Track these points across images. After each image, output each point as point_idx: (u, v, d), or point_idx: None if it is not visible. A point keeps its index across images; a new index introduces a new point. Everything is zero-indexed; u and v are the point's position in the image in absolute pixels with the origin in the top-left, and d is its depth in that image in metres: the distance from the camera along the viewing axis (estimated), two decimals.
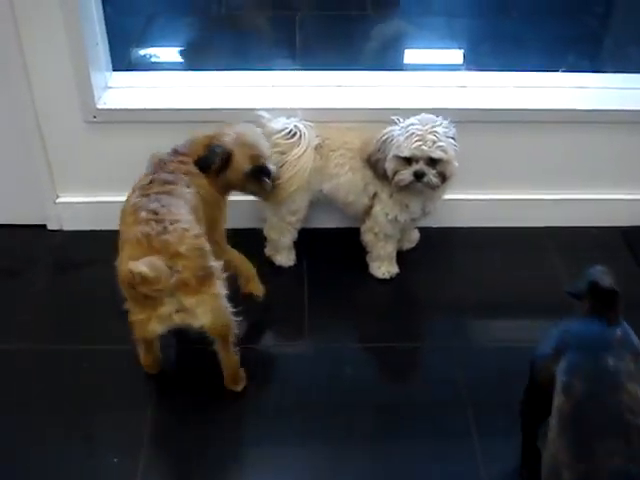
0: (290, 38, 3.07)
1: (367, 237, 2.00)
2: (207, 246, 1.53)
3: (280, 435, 1.66)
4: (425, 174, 1.78)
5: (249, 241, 2.01)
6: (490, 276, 2.07)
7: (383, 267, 2.03)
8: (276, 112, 1.93)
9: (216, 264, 1.54)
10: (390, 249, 2.02)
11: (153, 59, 3.02)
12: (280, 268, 2.06)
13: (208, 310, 1.52)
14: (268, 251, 2.07)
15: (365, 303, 2.01)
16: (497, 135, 2.04)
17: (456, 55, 2.91)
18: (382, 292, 2.03)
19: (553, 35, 3.10)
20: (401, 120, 1.83)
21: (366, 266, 2.05)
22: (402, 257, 2.06)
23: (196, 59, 3.07)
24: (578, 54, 2.82)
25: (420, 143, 1.77)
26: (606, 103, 2.06)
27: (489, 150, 2.06)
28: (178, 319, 1.51)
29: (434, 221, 2.08)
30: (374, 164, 1.86)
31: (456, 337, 1.90)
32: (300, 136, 1.88)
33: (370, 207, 1.96)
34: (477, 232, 2.17)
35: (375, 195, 1.93)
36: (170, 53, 3.06)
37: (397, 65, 2.70)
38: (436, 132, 1.77)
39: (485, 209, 2.16)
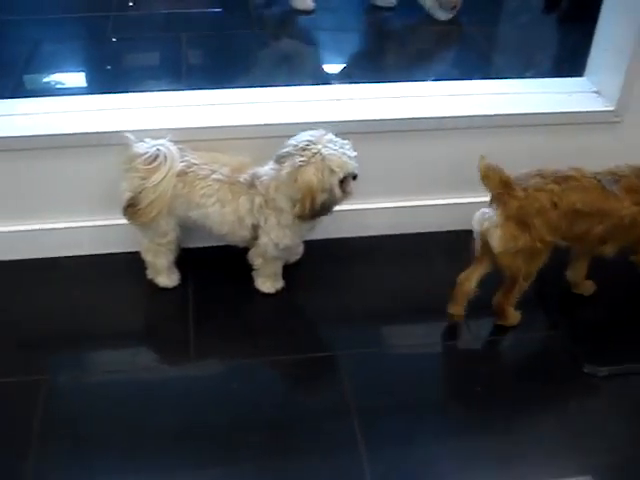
0: (177, 58, 3.08)
1: (255, 260, 1.97)
2: None
3: (169, 457, 1.62)
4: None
5: (133, 265, 2.01)
6: (375, 284, 2.07)
7: (269, 283, 2.01)
8: (146, 134, 1.89)
9: None
10: (278, 267, 2.00)
11: (33, 85, 2.99)
12: (165, 290, 2.02)
13: None
14: (149, 274, 2.03)
15: (251, 319, 1.99)
16: (372, 145, 2.05)
17: (334, 69, 2.99)
18: (268, 306, 2.01)
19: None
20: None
21: (252, 281, 2.03)
22: (287, 269, 2.05)
23: (79, 84, 3.05)
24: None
25: (347, 159, 1.76)
26: (479, 109, 2.11)
27: (366, 160, 2.09)
28: None
29: (318, 233, 2.09)
30: (323, 208, 1.80)
31: (343, 346, 1.89)
32: (161, 161, 1.82)
33: (253, 238, 1.91)
34: (362, 241, 2.19)
35: (256, 226, 1.88)
36: (54, 78, 3.02)
37: (279, 81, 2.72)
38: (345, 145, 1.79)
39: (368, 218, 2.19)
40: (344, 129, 1.92)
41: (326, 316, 2.00)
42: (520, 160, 2.16)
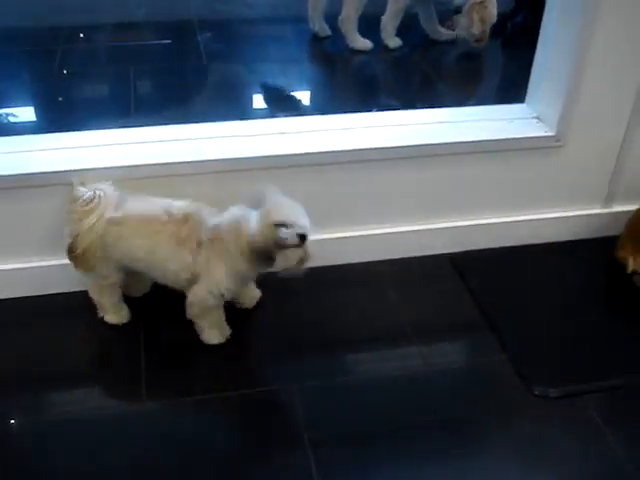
0: (125, 93, 3.08)
1: (193, 311, 1.90)
2: None
3: None
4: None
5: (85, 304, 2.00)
6: (330, 313, 2.08)
7: (214, 332, 1.95)
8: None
9: None
10: (220, 315, 1.94)
11: None
12: (115, 327, 2.00)
13: None
14: (99, 312, 2.00)
15: (203, 356, 1.95)
16: (319, 178, 2.09)
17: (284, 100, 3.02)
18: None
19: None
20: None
21: None
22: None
23: (28, 119, 3.03)
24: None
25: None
26: (423, 138, 2.13)
27: (315, 192, 2.10)
28: None
29: None
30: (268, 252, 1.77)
31: (296, 378, 1.88)
32: (95, 205, 1.80)
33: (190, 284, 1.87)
34: (314, 272, 2.19)
35: (195, 274, 1.84)
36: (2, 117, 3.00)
37: (227, 115, 2.74)
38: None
39: (321, 248, 2.19)
40: (293, 162, 1.98)
41: (278, 349, 1.99)
42: (465, 187, 2.22)
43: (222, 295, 1.87)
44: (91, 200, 1.81)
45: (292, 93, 3.28)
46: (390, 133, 2.14)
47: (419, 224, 2.25)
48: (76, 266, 1.87)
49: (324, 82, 3.42)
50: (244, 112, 3.00)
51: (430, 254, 2.28)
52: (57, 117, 2.94)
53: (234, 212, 1.82)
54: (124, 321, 2.01)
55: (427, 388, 1.89)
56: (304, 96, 3.33)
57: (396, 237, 2.23)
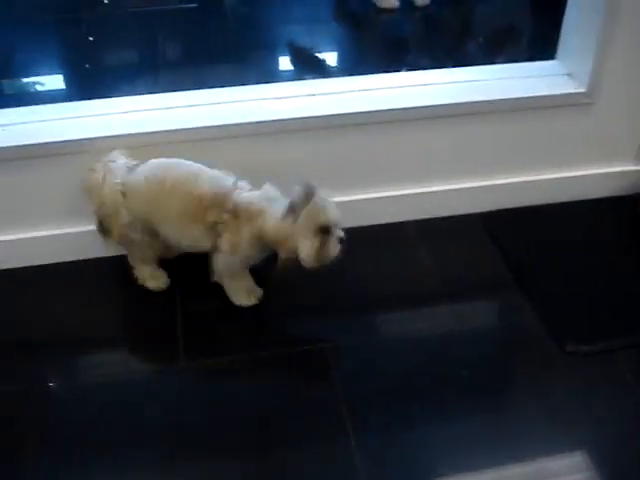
0: (152, 58, 3.08)
1: (218, 276, 1.91)
2: None
3: (161, 457, 1.64)
4: None
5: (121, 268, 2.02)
6: (360, 273, 2.08)
7: (243, 295, 1.96)
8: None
9: None
10: (246, 278, 1.95)
11: (10, 91, 2.98)
12: (152, 292, 2.01)
13: None
14: (138, 278, 2.01)
15: (238, 317, 1.98)
16: (350, 139, 2.09)
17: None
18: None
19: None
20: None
21: None
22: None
23: (57, 87, 3.05)
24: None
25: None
26: (454, 97, 2.12)
27: (347, 153, 2.11)
28: None
29: None
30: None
31: (328, 338, 1.91)
32: (105, 173, 1.83)
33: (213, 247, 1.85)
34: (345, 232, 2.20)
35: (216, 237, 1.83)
36: (31, 83, 3.02)
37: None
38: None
39: (350, 209, 2.19)
40: (325, 123, 1.98)
41: (309, 310, 2.01)
42: (496, 146, 2.21)
43: (242, 261, 1.88)
44: (100, 169, 1.83)
45: (320, 54, 3.26)
46: (420, 93, 2.13)
47: (450, 183, 2.25)
48: (105, 236, 1.90)
49: (351, 42, 3.39)
50: (272, 75, 2.99)
51: (461, 213, 2.27)
52: (85, 85, 2.96)
53: (267, 192, 1.81)
54: (163, 287, 2.02)
55: (458, 347, 1.90)
56: (332, 57, 3.31)
57: (427, 197, 2.23)
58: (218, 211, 1.79)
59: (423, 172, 2.21)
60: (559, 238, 2.22)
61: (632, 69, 2.15)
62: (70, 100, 2.19)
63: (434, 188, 2.24)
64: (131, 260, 2.00)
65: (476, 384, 1.79)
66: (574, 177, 2.31)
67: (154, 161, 1.86)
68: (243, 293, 1.97)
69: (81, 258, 2.11)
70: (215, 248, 1.84)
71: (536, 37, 3.18)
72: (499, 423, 1.71)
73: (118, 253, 2.04)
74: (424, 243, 2.20)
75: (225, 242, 1.81)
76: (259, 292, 1.99)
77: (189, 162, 1.86)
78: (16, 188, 2.01)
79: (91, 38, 3.28)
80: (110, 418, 1.72)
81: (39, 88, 2.98)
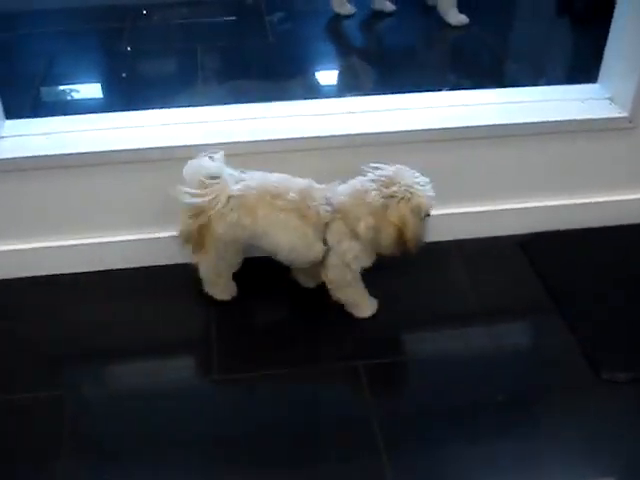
0: (192, 71, 3.10)
1: (334, 291, 1.91)
2: None
3: (195, 471, 1.63)
4: None
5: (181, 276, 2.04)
6: (397, 292, 2.07)
7: (367, 306, 1.97)
8: (198, 149, 1.89)
9: None
10: (360, 289, 1.94)
11: (54, 101, 3.02)
12: (217, 302, 2.02)
13: None
14: (206, 287, 1.99)
15: (274, 332, 2.00)
16: (395, 156, 2.07)
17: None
18: (289, 319, 2.04)
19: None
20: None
21: (285, 291, 2.06)
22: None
23: (98, 97, 3.09)
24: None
25: (432, 199, 1.77)
26: (493, 118, 2.12)
27: None
28: None
29: None
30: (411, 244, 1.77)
31: (361, 355, 1.89)
32: (222, 184, 1.79)
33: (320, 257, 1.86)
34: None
35: (326, 249, 1.83)
36: (72, 95, 3.06)
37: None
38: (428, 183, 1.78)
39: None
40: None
41: (345, 326, 2.00)
42: (535, 169, 2.20)
43: (357, 267, 1.87)
44: (217, 179, 1.79)
45: (361, 71, 3.27)
46: (462, 113, 2.13)
47: (488, 205, 2.24)
48: (197, 251, 1.87)
49: (389, 60, 3.39)
50: (313, 90, 3.01)
51: (499, 235, 2.26)
52: (123, 94, 2.99)
53: (354, 184, 1.81)
54: (233, 296, 2.01)
55: (493, 368, 1.89)
56: (373, 73, 3.31)
57: (466, 217, 2.23)
58: (319, 210, 1.80)
59: (461, 192, 2.20)
60: (599, 263, 2.20)
61: None
62: (115, 110, 2.20)
63: (472, 209, 2.24)
64: (204, 270, 1.96)
65: (510, 407, 1.78)
66: (615, 201, 2.29)
67: (256, 173, 1.85)
68: (365, 302, 1.97)
69: (131, 266, 2.14)
70: (326, 254, 1.84)
71: (578, 60, 3.17)
72: (532, 448, 1.68)
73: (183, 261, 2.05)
74: (462, 264, 2.20)
75: (335, 244, 1.82)
76: (375, 302, 1.99)
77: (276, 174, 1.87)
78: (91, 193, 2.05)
79: (129, 48, 3.32)
80: (145, 429, 1.73)
81: (76, 96, 3.02)
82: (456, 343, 1.98)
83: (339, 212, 1.80)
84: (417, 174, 1.78)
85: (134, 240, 2.12)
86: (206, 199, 1.78)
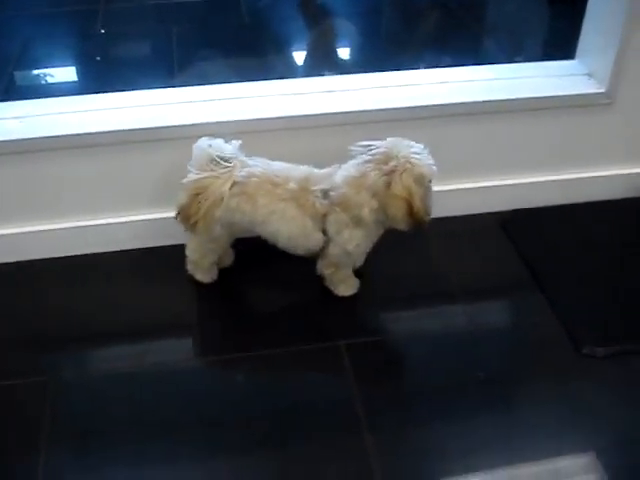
0: (168, 53, 3.08)
1: (327, 270, 1.92)
2: None
3: (177, 450, 1.64)
4: None
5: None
6: (374, 271, 2.04)
7: (348, 285, 1.98)
8: (201, 128, 1.91)
9: None
10: (349, 269, 1.95)
11: (28, 84, 2.99)
12: (200, 284, 2.02)
13: None
14: (190, 268, 2.00)
15: (259, 313, 2.01)
16: (375, 135, 2.04)
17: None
18: (275, 300, 2.03)
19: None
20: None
21: (270, 275, 2.05)
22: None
23: (72, 79, 3.06)
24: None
25: (433, 166, 1.75)
26: (472, 95, 2.11)
27: None
28: None
29: None
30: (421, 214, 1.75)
31: (343, 335, 1.89)
32: (233, 167, 1.77)
33: (321, 249, 1.86)
34: None
35: (326, 239, 1.83)
36: (47, 78, 3.03)
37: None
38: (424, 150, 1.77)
39: None
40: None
41: (322, 306, 2.01)
42: (514, 146, 2.20)
43: (359, 254, 1.88)
44: (230, 161, 1.78)
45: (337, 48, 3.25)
46: (440, 91, 2.12)
47: (467, 182, 2.24)
48: (191, 230, 1.84)
49: (357, 37, 3.37)
50: (290, 69, 2.99)
51: (478, 212, 2.27)
52: (98, 76, 2.96)
53: (346, 170, 1.79)
54: (213, 280, 2.02)
55: (474, 346, 1.89)
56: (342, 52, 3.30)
57: (444, 195, 2.19)
58: (319, 200, 1.78)
59: (441, 170, 2.17)
60: (578, 239, 2.21)
61: None
62: (85, 92, 2.19)
63: (451, 187, 2.23)
64: (191, 250, 1.96)
65: (492, 385, 1.79)
66: (594, 177, 2.30)
67: (259, 159, 1.84)
68: (349, 281, 1.97)
69: (116, 249, 2.13)
70: (326, 244, 1.84)
71: (556, 37, 3.17)
72: (513, 423, 1.70)
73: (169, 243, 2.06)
74: (442, 242, 2.20)
75: (336, 232, 1.81)
76: (357, 282, 1.99)
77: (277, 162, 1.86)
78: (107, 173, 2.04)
79: (103, 30, 3.28)
80: (129, 411, 1.72)
81: (49, 80, 2.98)
82: (437, 322, 1.98)
83: (338, 205, 1.78)
84: (412, 143, 1.76)
85: (116, 223, 2.11)
86: (211, 179, 1.77)
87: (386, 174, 1.72)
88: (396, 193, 1.72)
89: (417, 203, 1.72)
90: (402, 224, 1.78)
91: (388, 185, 1.72)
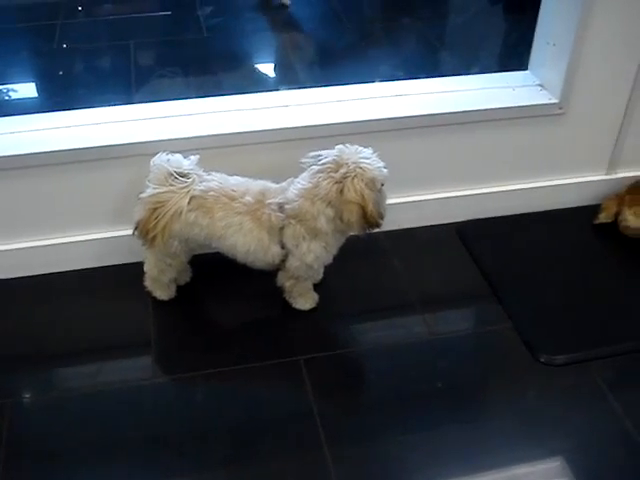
0: (125, 67, 3.07)
1: (287, 283, 1.93)
2: None
3: (136, 471, 1.63)
4: None
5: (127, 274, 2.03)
6: (335, 283, 2.07)
7: (306, 298, 1.98)
8: (159, 145, 1.89)
9: None
10: (309, 283, 1.97)
11: None
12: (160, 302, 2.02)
13: None
14: (149, 286, 1.99)
15: (216, 330, 2.00)
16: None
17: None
18: (231, 318, 2.02)
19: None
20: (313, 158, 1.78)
21: (226, 290, 2.05)
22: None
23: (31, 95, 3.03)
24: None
25: (383, 170, 1.75)
26: (426, 108, 2.12)
27: None
28: None
29: None
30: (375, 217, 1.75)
31: (303, 350, 1.89)
32: (191, 181, 1.77)
33: (281, 261, 1.86)
34: None
35: (285, 252, 1.83)
36: (8, 95, 3.00)
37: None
38: (373, 154, 1.77)
39: None
40: (343, 130, 2.01)
41: (285, 323, 2.01)
42: (468, 157, 2.22)
43: (319, 266, 1.89)
44: (188, 176, 1.78)
45: (295, 63, 3.26)
46: (393, 104, 2.14)
47: (423, 194, 2.26)
48: (149, 244, 1.82)
49: (321, 51, 3.39)
50: (250, 82, 2.99)
51: (435, 223, 2.29)
52: (61, 93, 2.93)
53: (299, 182, 1.79)
54: (172, 297, 2.01)
55: (432, 356, 1.90)
56: (306, 67, 3.30)
57: (400, 207, 2.22)
58: (276, 214, 1.78)
59: (396, 183, 2.19)
60: (534, 248, 2.24)
61: (603, 80, 2.17)
62: (45, 109, 2.17)
63: (407, 199, 2.25)
64: (150, 267, 1.95)
65: (451, 395, 1.80)
66: (547, 187, 2.33)
67: (217, 174, 1.84)
68: (309, 295, 1.98)
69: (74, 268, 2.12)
70: (285, 257, 1.84)
71: (510, 48, 3.21)
72: (474, 433, 1.71)
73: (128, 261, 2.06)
74: (398, 253, 2.21)
75: (295, 245, 1.81)
76: (316, 296, 2.00)
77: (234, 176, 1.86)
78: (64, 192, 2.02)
79: (65, 45, 3.26)
80: (86, 431, 1.71)
81: (12, 95, 2.96)
82: (395, 333, 1.99)
83: (294, 217, 1.78)
84: (360, 148, 1.77)
85: (73, 242, 2.09)
86: (170, 194, 1.77)
87: (338, 181, 1.73)
88: (349, 199, 1.72)
89: (370, 207, 1.73)
90: (357, 228, 1.79)
91: (341, 192, 1.73)
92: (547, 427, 1.73)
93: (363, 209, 1.73)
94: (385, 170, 1.76)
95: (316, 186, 1.75)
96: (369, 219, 1.75)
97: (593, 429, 1.73)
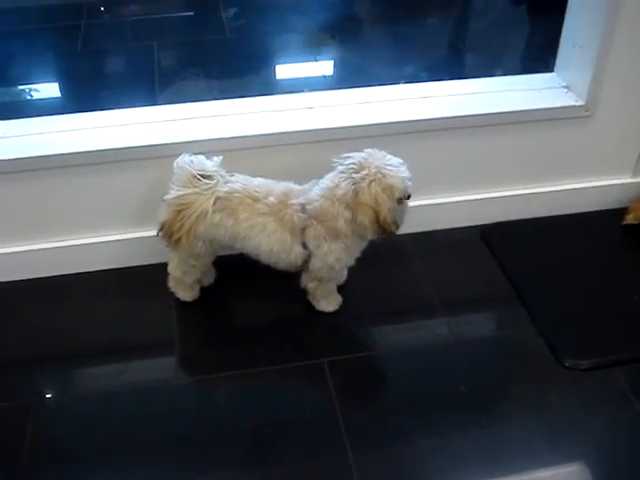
0: (149, 68, 3.08)
1: (310, 284, 1.93)
2: None
3: (159, 471, 1.64)
4: None
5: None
6: (359, 287, 2.07)
7: (329, 300, 1.98)
8: (183, 146, 1.90)
9: None
10: (333, 285, 1.97)
11: (13, 101, 2.98)
12: (184, 304, 2.02)
13: None
14: (172, 287, 2.00)
15: (239, 332, 2.00)
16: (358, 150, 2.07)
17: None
18: (255, 319, 2.03)
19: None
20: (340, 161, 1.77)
21: (250, 295, 2.06)
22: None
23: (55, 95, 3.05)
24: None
25: (406, 180, 1.74)
26: (450, 110, 2.11)
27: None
28: None
29: None
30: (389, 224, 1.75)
31: (326, 352, 1.89)
32: (215, 183, 1.78)
33: (304, 262, 1.86)
34: None
35: (307, 253, 1.83)
36: (30, 95, 3.02)
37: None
38: (401, 165, 1.76)
39: None
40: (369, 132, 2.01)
41: (308, 326, 2.00)
42: (493, 159, 2.21)
43: (340, 268, 1.89)
44: (212, 177, 1.79)
45: (318, 66, 3.26)
46: (419, 105, 2.13)
47: (448, 196, 2.25)
48: (173, 246, 1.83)
49: (342, 54, 3.38)
50: (270, 86, 2.99)
51: (459, 226, 2.28)
52: (84, 94, 2.95)
53: (322, 182, 1.80)
54: (196, 298, 2.02)
55: (456, 360, 1.90)
56: (328, 68, 3.30)
57: (425, 209, 2.22)
58: (298, 215, 1.79)
59: (421, 185, 2.18)
60: (559, 251, 2.22)
61: (630, 82, 2.15)
62: (67, 110, 2.17)
63: (432, 201, 2.24)
64: (174, 269, 1.96)
65: (474, 399, 1.79)
66: (573, 190, 2.31)
67: (241, 176, 1.84)
68: (332, 297, 1.99)
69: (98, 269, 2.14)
70: (308, 258, 1.84)
71: (535, 50, 3.19)
72: (496, 438, 1.70)
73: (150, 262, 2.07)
74: (422, 255, 2.20)
75: (317, 246, 1.81)
76: (340, 298, 2.01)
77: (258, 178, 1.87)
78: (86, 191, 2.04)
79: (86, 46, 3.28)
80: (109, 430, 1.72)
81: (40, 96, 2.98)
82: (419, 336, 1.99)
83: (315, 218, 1.78)
84: (389, 156, 1.76)
85: (98, 242, 2.10)
86: (195, 195, 1.77)
87: (355, 183, 1.73)
88: (362, 201, 1.72)
89: (384, 212, 1.72)
90: (370, 232, 1.78)
91: (357, 194, 1.73)
92: (569, 432, 1.71)
93: (377, 214, 1.73)
94: (409, 182, 1.76)
95: (337, 186, 1.75)
96: (382, 225, 1.74)
97: (617, 435, 1.72)
